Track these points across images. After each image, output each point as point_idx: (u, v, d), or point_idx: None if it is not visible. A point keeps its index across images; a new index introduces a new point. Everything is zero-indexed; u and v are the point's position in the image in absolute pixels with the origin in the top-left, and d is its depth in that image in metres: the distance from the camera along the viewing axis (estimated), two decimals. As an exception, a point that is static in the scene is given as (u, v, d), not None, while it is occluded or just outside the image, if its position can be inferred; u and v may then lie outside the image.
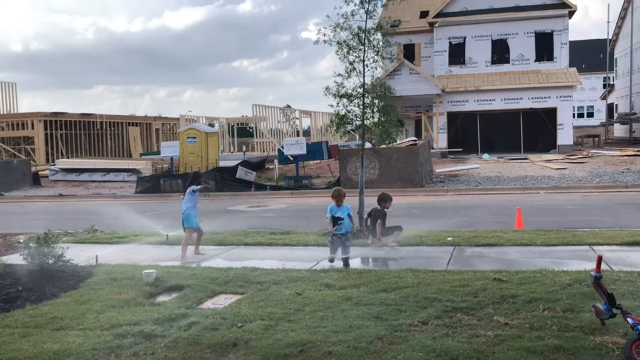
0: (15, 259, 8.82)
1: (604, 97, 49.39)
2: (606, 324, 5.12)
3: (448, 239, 9.77)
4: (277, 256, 9.11)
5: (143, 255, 9.51)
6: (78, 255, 8.85)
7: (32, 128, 34.66)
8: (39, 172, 27.73)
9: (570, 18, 32.30)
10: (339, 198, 8.53)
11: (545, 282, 6.63)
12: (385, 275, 7.25)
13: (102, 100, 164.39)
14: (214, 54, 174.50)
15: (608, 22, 43.88)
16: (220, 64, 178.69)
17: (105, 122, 39.04)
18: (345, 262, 8.21)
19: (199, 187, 9.36)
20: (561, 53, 32.11)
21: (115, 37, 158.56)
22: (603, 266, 6.05)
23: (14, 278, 7.59)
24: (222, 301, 6.56)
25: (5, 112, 40.04)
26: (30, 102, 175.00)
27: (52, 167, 28.75)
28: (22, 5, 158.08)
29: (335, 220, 8.40)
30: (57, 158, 32.98)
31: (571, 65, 32.72)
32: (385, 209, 9.86)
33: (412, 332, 5.19)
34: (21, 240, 11.01)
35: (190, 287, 7.04)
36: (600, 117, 56.44)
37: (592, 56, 59.68)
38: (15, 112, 40.31)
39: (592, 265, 6.97)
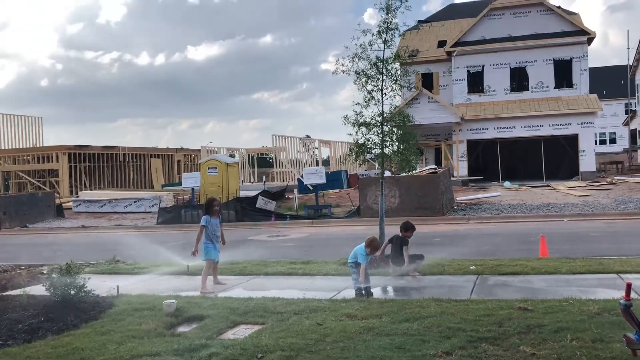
0: (38, 289, 8.88)
1: (626, 123, 48.84)
2: (638, 355, 4.94)
3: (471, 267, 9.61)
4: (297, 286, 9.04)
5: (164, 286, 9.51)
6: (99, 286, 8.88)
7: (57, 161, 35.34)
8: (63, 204, 28.15)
9: (589, 45, 32.23)
10: (373, 250, 8.19)
11: (572, 311, 6.45)
12: (408, 305, 7.13)
13: (126, 133, 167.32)
14: (235, 87, 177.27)
15: (628, 48, 43.67)
16: (241, 96, 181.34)
17: (128, 154, 39.66)
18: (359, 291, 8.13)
19: (203, 220, 9.38)
20: (581, 80, 31.94)
21: (138, 71, 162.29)
22: (632, 294, 5.87)
23: (37, 309, 7.62)
24: (242, 331, 6.50)
25: (31, 146, 40.98)
26: (56, 136, 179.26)
27: (76, 199, 29.16)
28: (49, 42, 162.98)
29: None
30: (81, 190, 33.49)
31: (591, 91, 32.50)
32: (407, 238, 9.73)
33: (435, 363, 5.07)
34: (44, 272, 11.12)
35: (210, 318, 6.99)
36: (623, 143, 55.71)
37: (613, 82, 59.32)
38: (41, 145, 41.24)
39: (620, 294, 6.78)
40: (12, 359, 5.85)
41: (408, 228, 9.74)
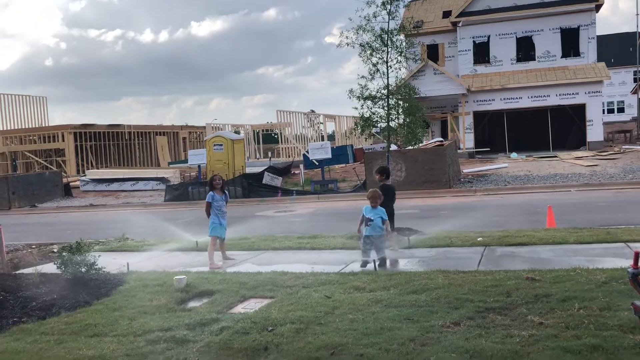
0: (50, 268, 8.99)
1: (635, 92, 48.25)
2: (645, 322, 4.97)
3: (478, 239, 9.63)
4: (305, 260, 9.11)
5: (173, 262, 9.61)
6: (110, 263, 8.98)
7: (63, 140, 35.41)
8: (70, 183, 28.32)
9: (597, 12, 31.70)
10: (373, 200, 8.23)
11: (580, 280, 6.48)
12: (415, 277, 7.18)
13: (131, 111, 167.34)
14: (239, 62, 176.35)
15: (637, 14, 42.91)
16: (245, 72, 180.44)
17: (133, 132, 39.67)
18: (381, 262, 8.06)
19: (208, 197, 9.43)
20: (588, 48, 31.51)
21: (142, 49, 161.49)
22: (640, 263, 5.88)
23: (49, 286, 7.74)
24: (252, 305, 6.57)
25: (37, 126, 41.05)
26: (61, 116, 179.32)
27: (83, 178, 29.30)
28: (53, 22, 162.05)
29: (366, 222, 8.24)
30: (87, 169, 33.62)
31: (599, 60, 32.09)
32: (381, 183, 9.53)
33: (444, 334, 5.12)
34: (55, 250, 11.23)
35: (220, 292, 7.07)
36: (631, 112, 55.15)
37: (622, 50, 58.44)
38: (46, 125, 41.29)
39: (628, 263, 6.78)
40: (27, 335, 5.96)
41: (381, 171, 9.55)
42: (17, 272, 9.28)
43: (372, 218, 8.13)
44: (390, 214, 9.38)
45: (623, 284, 6.05)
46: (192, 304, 6.85)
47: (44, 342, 5.66)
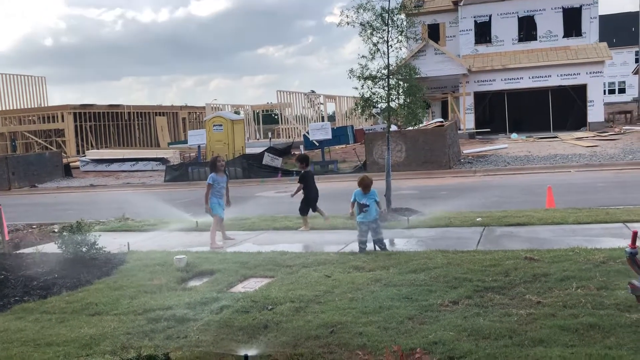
0: (51, 247, 9.03)
1: (636, 72, 47.97)
2: (642, 301, 5.01)
3: (477, 219, 9.66)
4: (305, 240, 9.14)
5: (174, 242, 9.64)
6: (110, 243, 9.02)
7: (62, 120, 35.28)
8: (70, 164, 28.29)
9: (599, -9, 31.37)
10: (366, 187, 7.99)
11: (578, 260, 6.52)
12: (415, 257, 7.22)
13: (131, 92, 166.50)
14: (240, 42, 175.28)
15: (640, -7, 42.46)
16: (246, 52, 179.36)
17: (133, 112, 39.51)
18: (380, 243, 7.92)
19: (210, 179, 9.45)
20: (590, 28, 31.24)
21: (142, 28, 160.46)
22: (638, 242, 5.90)
23: (50, 266, 7.78)
24: (252, 285, 6.62)
25: (36, 106, 40.88)
26: (61, 96, 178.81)
27: (83, 158, 29.27)
28: (53, 1, 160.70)
29: (361, 207, 8.01)
30: (87, 149, 33.54)
31: (601, 40, 31.82)
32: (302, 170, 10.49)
33: (442, 312, 5.17)
34: (55, 230, 11.27)
35: (220, 272, 7.11)
36: (632, 92, 54.80)
37: (624, 30, 57.90)
38: (46, 105, 41.12)
39: (626, 242, 6.79)
40: (29, 314, 6.01)
41: (301, 160, 10.75)
42: (18, 251, 9.32)
43: (367, 204, 7.94)
44: (314, 198, 10.37)
45: (621, 263, 6.08)
46: (193, 283, 6.90)
47: (46, 321, 5.72)
